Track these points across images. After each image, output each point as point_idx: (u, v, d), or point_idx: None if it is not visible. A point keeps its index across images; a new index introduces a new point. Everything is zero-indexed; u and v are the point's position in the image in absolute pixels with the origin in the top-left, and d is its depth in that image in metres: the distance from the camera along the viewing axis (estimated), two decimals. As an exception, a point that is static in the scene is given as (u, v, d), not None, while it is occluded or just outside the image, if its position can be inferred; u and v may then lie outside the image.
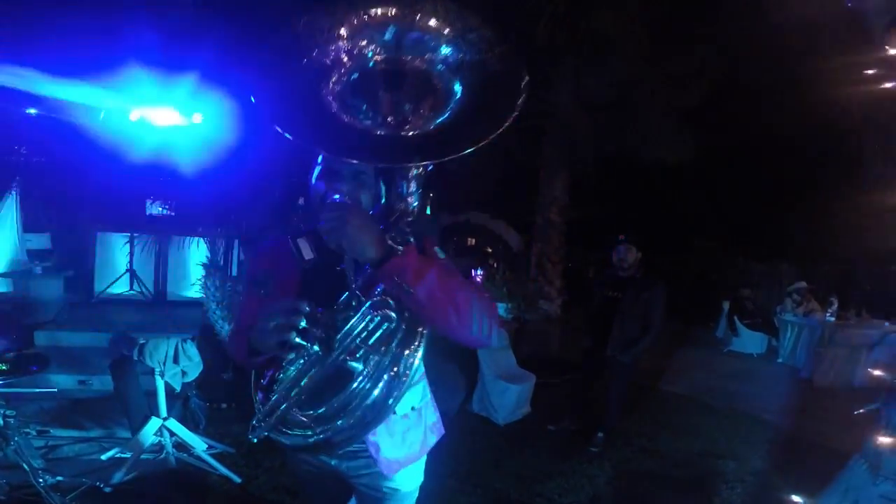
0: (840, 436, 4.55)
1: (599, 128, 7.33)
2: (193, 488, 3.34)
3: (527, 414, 4.97)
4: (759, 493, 3.83)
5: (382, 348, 1.22)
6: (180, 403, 4.06)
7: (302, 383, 1.23)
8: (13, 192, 6.45)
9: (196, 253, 6.42)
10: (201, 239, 6.25)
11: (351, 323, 1.20)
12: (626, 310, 4.23)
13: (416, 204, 1.22)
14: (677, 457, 4.43)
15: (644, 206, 11.35)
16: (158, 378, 3.52)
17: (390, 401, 1.23)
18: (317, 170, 1.41)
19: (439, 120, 1.13)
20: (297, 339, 1.16)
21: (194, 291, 6.92)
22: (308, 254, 1.26)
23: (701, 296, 10.31)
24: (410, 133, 1.15)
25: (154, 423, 3.46)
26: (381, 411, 1.24)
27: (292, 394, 1.24)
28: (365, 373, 1.22)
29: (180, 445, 3.54)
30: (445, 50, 1.13)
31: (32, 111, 6.79)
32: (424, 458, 1.63)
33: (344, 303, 1.25)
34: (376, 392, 1.22)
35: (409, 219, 1.23)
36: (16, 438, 2.89)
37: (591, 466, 4.06)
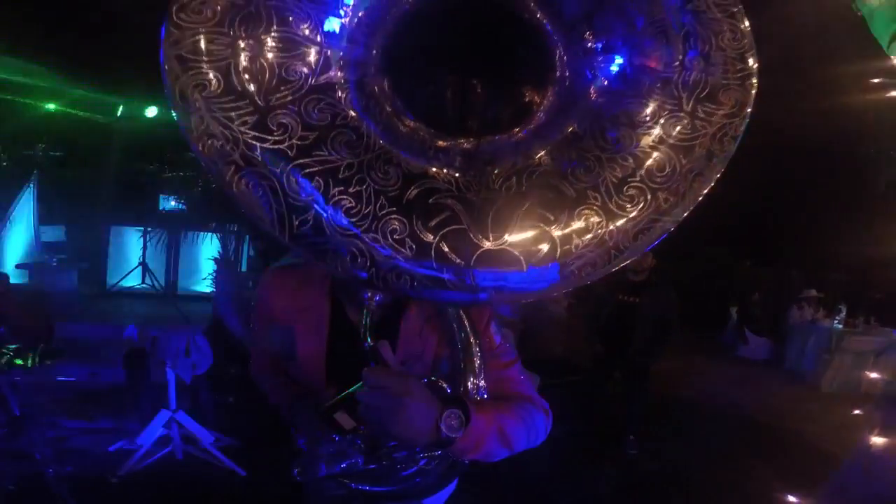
0: (845, 442, 4.55)
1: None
2: (199, 481, 3.40)
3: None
4: (761, 498, 3.83)
5: None
6: (189, 396, 4.12)
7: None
8: (31, 186, 6.56)
9: (208, 248, 6.52)
10: (213, 234, 6.35)
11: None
12: (646, 314, 4.30)
13: None
14: (680, 460, 4.44)
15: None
16: (169, 370, 3.57)
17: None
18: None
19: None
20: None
21: (205, 285, 7.03)
22: (392, 359, 0.91)
23: (708, 301, 10.23)
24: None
25: (163, 416, 3.53)
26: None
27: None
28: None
29: (187, 438, 3.59)
30: None
31: (51, 106, 6.92)
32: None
33: None
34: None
35: None
36: (27, 429, 2.96)
37: (593, 469, 4.08)
